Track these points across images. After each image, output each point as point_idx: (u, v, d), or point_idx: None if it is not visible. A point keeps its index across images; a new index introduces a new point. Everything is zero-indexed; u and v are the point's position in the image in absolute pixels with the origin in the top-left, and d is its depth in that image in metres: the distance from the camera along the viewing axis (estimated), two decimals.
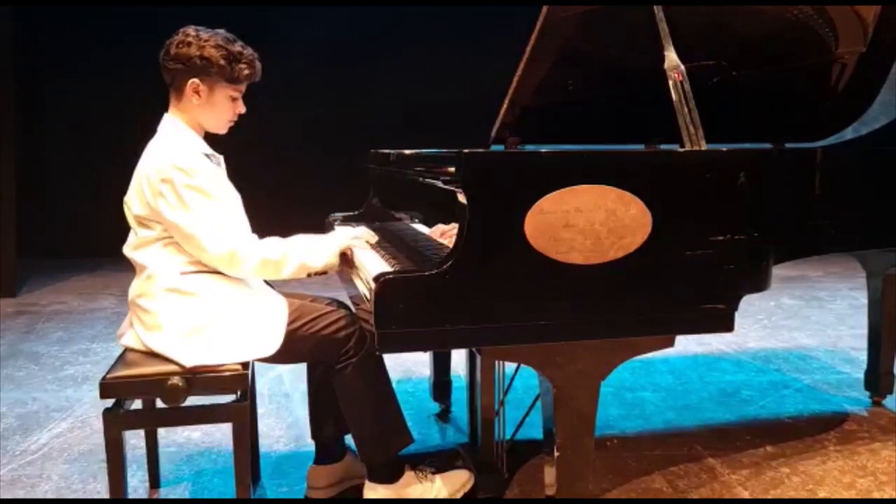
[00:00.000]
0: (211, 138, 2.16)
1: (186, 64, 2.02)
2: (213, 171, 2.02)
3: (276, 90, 6.57)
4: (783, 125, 2.65)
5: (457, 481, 2.28)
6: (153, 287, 2.00)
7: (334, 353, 2.06)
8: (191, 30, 2.05)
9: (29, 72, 6.47)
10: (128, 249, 2.07)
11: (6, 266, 5.54)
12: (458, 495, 2.27)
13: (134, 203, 2.02)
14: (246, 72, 2.07)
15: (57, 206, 6.88)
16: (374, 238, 2.24)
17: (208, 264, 1.99)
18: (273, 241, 2.11)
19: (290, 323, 2.03)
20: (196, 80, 2.03)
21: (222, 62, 2.02)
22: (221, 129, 2.15)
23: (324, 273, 2.08)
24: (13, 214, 5.58)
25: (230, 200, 2.06)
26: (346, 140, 6.27)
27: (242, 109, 2.14)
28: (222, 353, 1.97)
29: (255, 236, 2.04)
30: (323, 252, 2.06)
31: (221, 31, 2.08)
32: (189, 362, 1.94)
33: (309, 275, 2.06)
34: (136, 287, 2.06)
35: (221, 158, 2.16)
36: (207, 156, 2.06)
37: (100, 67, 6.59)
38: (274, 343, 2.00)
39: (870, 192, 2.52)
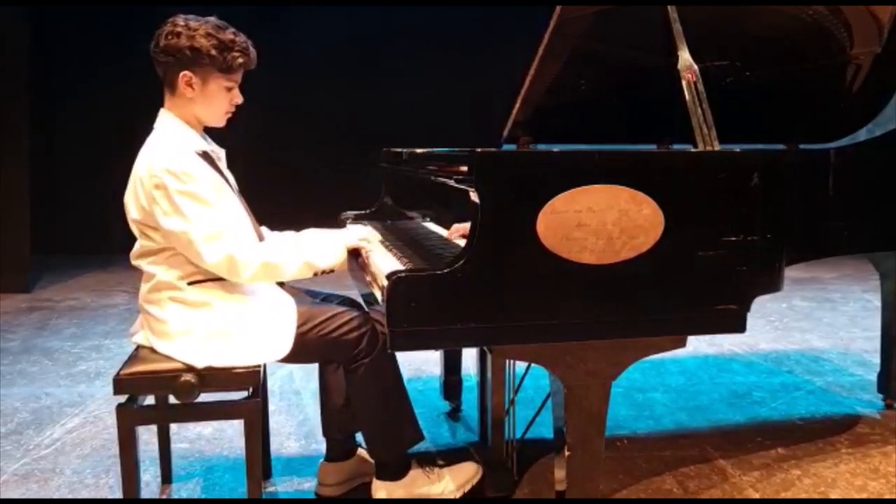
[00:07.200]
0: (220, 135, 2.12)
1: (177, 56, 1.93)
2: (208, 173, 1.95)
3: (288, 87, 6.67)
4: (797, 126, 2.64)
5: (464, 474, 2.29)
6: (160, 296, 1.98)
7: (346, 355, 2.05)
8: (179, 19, 1.96)
9: (42, 68, 6.50)
10: (133, 257, 2.03)
11: (20, 262, 5.57)
12: (467, 487, 2.27)
13: (131, 207, 1.96)
14: (240, 60, 1.98)
15: (70, 202, 6.91)
16: (378, 237, 2.20)
17: (209, 272, 1.95)
18: (275, 241, 2.10)
19: (299, 326, 2.00)
20: (188, 73, 1.95)
21: (213, 52, 1.93)
22: (219, 121, 2.06)
23: (331, 272, 2.03)
24: (27, 211, 5.61)
25: (227, 203, 1.99)
26: (358, 138, 6.27)
27: (239, 100, 2.05)
28: (232, 358, 1.96)
29: (263, 231, 1.99)
30: (329, 250, 2.02)
31: (212, 18, 1.98)
32: (200, 366, 1.94)
33: (316, 274, 2.01)
34: (144, 293, 2.02)
35: (223, 153, 2.11)
36: (204, 153, 1.99)
37: (111, 64, 6.61)
38: (283, 347, 1.98)
39: (883, 193, 2.51)
